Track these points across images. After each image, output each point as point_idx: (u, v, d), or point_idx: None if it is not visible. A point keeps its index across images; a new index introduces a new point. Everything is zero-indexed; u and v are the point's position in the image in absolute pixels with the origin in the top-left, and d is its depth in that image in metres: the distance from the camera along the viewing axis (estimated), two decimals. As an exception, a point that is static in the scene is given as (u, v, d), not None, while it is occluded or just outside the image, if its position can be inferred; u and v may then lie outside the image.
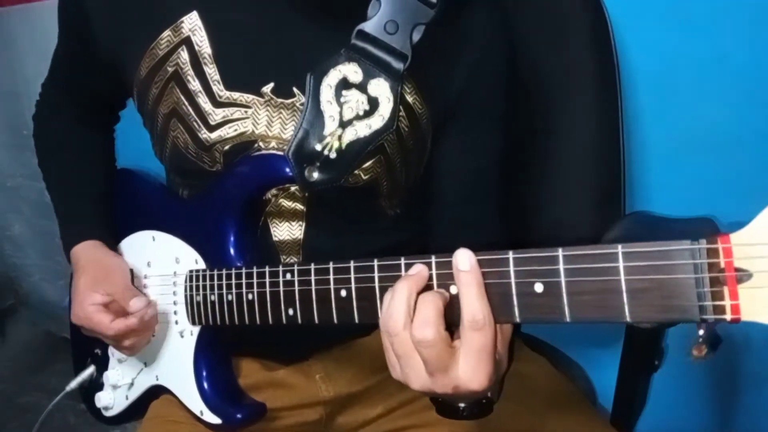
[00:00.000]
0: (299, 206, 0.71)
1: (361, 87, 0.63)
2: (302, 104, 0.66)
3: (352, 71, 0.63)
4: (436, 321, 0.46)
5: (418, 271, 0.49)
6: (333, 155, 0.63)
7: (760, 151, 0.87)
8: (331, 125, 0.63)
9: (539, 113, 0.84)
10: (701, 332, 0.41)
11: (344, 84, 0.63)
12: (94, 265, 0.76)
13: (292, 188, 0.70)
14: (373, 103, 0.63)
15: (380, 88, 0.63)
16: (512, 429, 0.69)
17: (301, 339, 0.76)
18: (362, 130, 0.63)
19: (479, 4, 0.71)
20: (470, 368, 0.46)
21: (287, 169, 0.64)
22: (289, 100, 0.67)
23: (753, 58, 0.85)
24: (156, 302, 0.75)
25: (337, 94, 0.63)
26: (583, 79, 0.82)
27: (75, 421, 0.88)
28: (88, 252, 0.77)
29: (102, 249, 0.78)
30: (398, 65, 0.62)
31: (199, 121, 0.68)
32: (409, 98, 0.69)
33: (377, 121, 0.63)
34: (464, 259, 0.46)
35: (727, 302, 0.37)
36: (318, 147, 0.63)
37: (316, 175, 0.63)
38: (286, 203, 0.71)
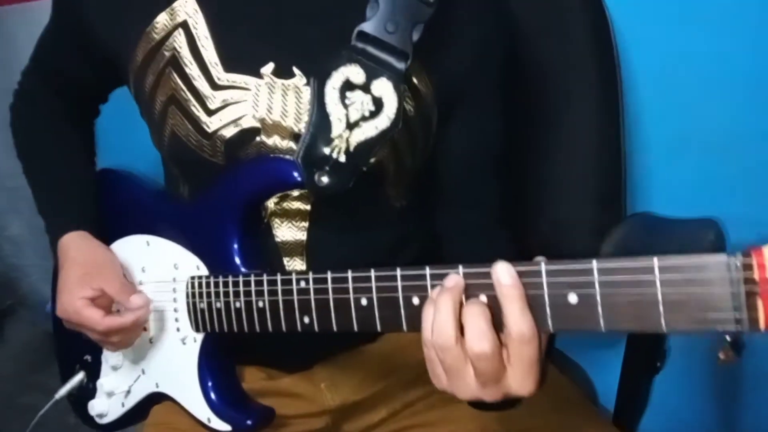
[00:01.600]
0: (303, 206, 0.70)
1: (365, 88, 0.62)
2: (304, 85, 0.65)
3: (354, 73, 0.62)
4: (490, 333, 0.46)
5: (456, 282, 0.48)
6: (342, 158, 0.62)
7: (761, 151, 0.87)
8: (338, 127, 0.62)
9: (539, 113, 0.84)
10: (728, 338, 0.43)
11: (348, 86, 0.62)
12: (86, 258, 0.73)
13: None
14: (378, 104, 0.62)
15: (384, 88, 0.62)
16: (513, 430, 0.71)
17: (305, 347, 0.75)
18: (369, 130, 0.63)
19: None
20: (520, 378, 0.47)
21: (296, 174, 0.63)
22: (290, 81, 0.66)
23: (753, 58, 0.84)
24: (152, 301, 0.73)
25: (342, 96, 0.62)
26: (583, 79, 0.82)
27: (75, 422, 0.87)
28: (78, 243, 0.74)
29: (92, 241, 0.75)
30: (400, 65, 0.62)
31: (198, 106, 0.66)
32: (414, 79, 0.68)
33: (383, 121, 0.63)
34: (504, 273, 0.46)
35: (761, 314, 0.39)
36: (326, 150, 0.62)
37: (325, 179, 0.62)
38: (291, 204, 0.70)
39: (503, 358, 0.47)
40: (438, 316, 0.47)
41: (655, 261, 0.42)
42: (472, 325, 0.46)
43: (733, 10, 0.84)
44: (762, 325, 0.39)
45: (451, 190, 0.77)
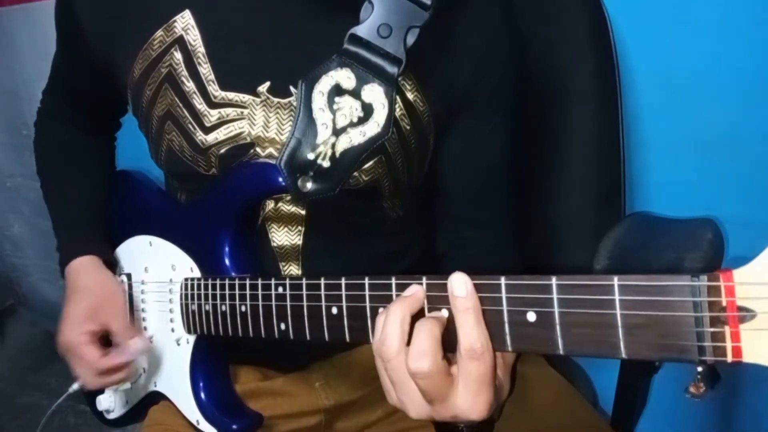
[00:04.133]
0: (299, 210, 0.70)
1: (355, 93, 0.60)
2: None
3: (344, 77, 0.60)
4: (433, 351, 0.44)
5: (414, 292, 0.47)
6: (326, 164, 0.61)
7: (760, 151, 0.86)
8: (324, 133, 0.61)
9: (538, 113, 0.82)
10: (700, 369, 0.38)
11: (337, 90, 0.60)
12: (93, 290, 0.74)
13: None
14: (368, 110, 0.60)
15: (374, 93, 0.60)
16: (512, 431, 0.69)
17: (300, 347, 0.74)
18: (356, 137, 0.61)
19: (478, 1, 0.68)
20: (469, 398, 0.44)
21: (280, 179, 0.62)
22: (286, 100, 0.65)
23: (753, 58, 0.83)
24: (152, 344, 0.74)
25: (330, 101, 0.61)
26: (582, 79, 0.80)
27: (75, 422, 0.88)
28: (86, 272, 0.76)
29: (100, 269, 0.76)
30: (392, 70, 0.60)
31: (194, 123, 0.66)
32: (410, 95, 0.66)
33: (372, 128, 0.61)
34: (460, 284, 0.44)
35: (728, 344, 0.35)
36: (311, 156, 0.61)
37: (309, 185, 0.61)
38: (286, 207, 0.70)
39: (453, 374, 0.44)
40: (385, 326, 0.46)
41: (615, 280, 0.38)
42: (416, 341, 0.44)
43: (732, 10, 0.83)
44: (729, 356, 0.35)
45: (451, 206, 0.74)
